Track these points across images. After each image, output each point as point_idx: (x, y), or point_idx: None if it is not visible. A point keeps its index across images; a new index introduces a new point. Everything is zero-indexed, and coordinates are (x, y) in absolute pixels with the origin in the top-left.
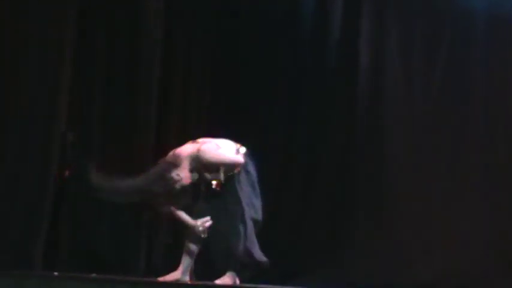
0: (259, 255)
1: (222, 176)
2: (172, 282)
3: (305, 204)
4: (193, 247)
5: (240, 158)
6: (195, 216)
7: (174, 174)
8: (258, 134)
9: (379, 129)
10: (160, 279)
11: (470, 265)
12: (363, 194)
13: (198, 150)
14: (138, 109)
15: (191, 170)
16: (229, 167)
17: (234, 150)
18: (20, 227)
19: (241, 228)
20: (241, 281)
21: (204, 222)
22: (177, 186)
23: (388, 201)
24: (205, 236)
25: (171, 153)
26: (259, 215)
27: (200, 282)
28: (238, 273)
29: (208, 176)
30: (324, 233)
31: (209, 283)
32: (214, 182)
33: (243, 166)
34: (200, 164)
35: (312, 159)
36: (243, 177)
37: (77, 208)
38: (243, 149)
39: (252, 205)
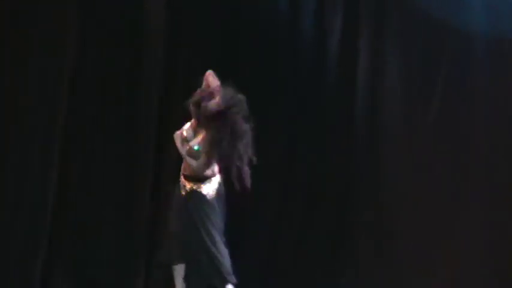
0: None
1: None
2: None
3: (305, 223)
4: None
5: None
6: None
7: None
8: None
9: (379, 147)
10: None
11: (473, 279)
12: (363, 212)
13: None
14: (139, 109)
15: None
16: None
17: None
18: (19, 248)
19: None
20: None
21: None
22: None
23: (389, 220)
24: None
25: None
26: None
27: None
28: None
29: None
30: (324, 251)
31: None
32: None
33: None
34: None
35: (312, 178)
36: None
37: (75, 230)
38: None
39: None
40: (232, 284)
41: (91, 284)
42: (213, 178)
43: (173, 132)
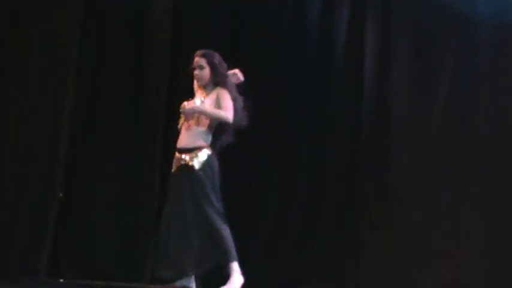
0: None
1: None
2: None
3: (309, 220)
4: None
5: None
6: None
7: None
8: (261, 147)
9: (386, 140)
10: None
11: (476, 277)
12: (368, 209)
13: None
14: (146, 109)
15: None
16: None
17: None
18: (26, 235)
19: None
20: None
21: None
22: None
23: (394, 217)
24: None
25: None
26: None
27: None
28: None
29: None
30: (327, 248)
31: None
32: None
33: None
34: None
35: (317, 176)
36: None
37: (81, 216)
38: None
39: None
40: (236, 260)
41: (98, 270)
42: (202, 150)
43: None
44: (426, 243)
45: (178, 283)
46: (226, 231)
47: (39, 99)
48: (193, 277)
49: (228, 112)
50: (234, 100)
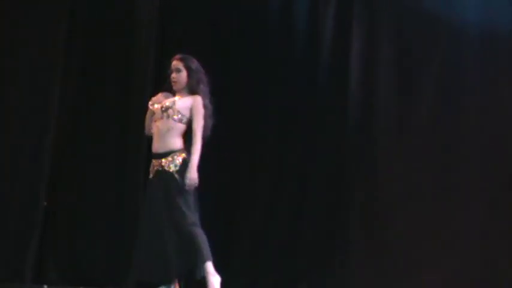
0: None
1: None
2: None
3: (297, 214)
4: None
5: None
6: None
7: None
8: (250, 149)
9: (371, 146)
10: None
11: (466, 281)
12: (357, 210)
13: None
14: (132, 102)
15: None
16: None
17: None
18: (11, 240)
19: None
20: None
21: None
22: None
23: (381, 220)
24: None
25: None
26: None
27: None
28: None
29: None
30: (318, 247)
31: None
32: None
33: None
34: None
35: (304, 175)
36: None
37: (67, 221)
38: None
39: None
40: (208, 261)
41: (84, 276)
42: (177, 154)
43: None
44: (413, 247)
45: None
46: (197, 233)
47: (26, 101)
48: (175, 282)
49: (198, 138)
50: (205, 108)
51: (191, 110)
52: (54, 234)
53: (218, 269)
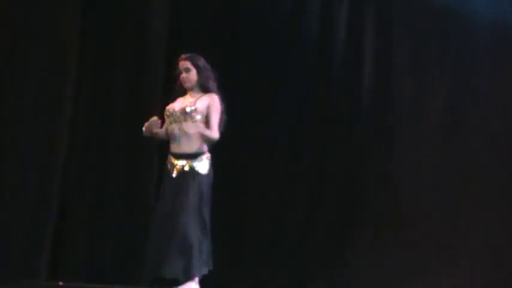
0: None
1: None
2: None
3: (310, 222)
4: None
5: None
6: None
7: None
8: (262, 148)
9: (387, 144)
10: None
11: (480, 283)
12: (370, 211)
13: None
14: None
15: None
16: None
17: None
18: (26, 237)
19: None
20: None
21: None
22: None
23: (396, 219)
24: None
25: None
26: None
27: None
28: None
29: None
30: (328, 251)
31: None
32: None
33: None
34: None
35: (318, 175)
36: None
37: (81, 218)
38: None
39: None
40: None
41: (98, 273)
42: (204, 156)
43: None
44: (427, 247)
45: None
46: (203, 245)
47: (38, 100)
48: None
49: (215, 130)
50: (221, 105)
51: (208, 108)
52: (69, 231)
53: (228, 268)
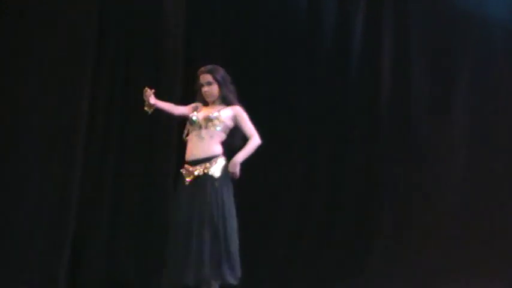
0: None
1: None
2: None
3: (328, 226)
4: None
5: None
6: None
7: None
8: (279, 152)
9: (409, 146)
10: None
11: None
12: (390, 215)
13: None
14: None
15: None
16: None
17: None
18: (45, 247)
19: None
20: None
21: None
22: None
23: (417, 222)
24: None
25: None
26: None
27: None
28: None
29: None
30: (346, 255)
31: None
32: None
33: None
34: None
35: (336, 179)
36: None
37: (99, 227)
38: None
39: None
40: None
41: (117, 284)
42: (218, 159)
43: None
44: (450, 248)
45: None
46: (235, 249)
47: (55, 104)
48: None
49: (256, 135)
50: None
51: (234, 120)
52: (88, 240)
53: (248, 275)
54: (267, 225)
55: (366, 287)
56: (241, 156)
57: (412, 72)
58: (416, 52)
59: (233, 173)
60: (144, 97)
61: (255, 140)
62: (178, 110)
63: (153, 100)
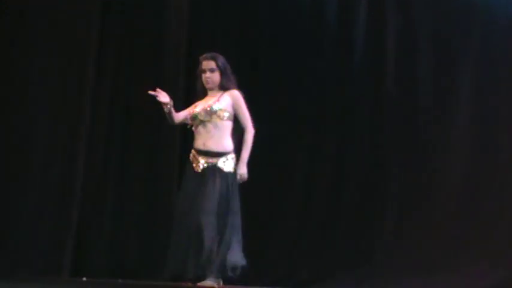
0: (236, 258)
1: None
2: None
3: (332, 217)
4: None
5: None
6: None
7: None
8: (283, 140)
9: (412, 138)
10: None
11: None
12: (393, 207)
13: None
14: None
15: None
16: None
17: None
18: (49, 234)
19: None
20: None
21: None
22: None
23: (420, 215)
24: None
25: None
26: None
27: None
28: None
29: None
30: (349, 246)
31: None
32: None
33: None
34: None
35: (339, 170)
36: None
37: (103, 215)
38: None
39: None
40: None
41: (121, 270)
42: (229, 155)
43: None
44: (452, 239)
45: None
46: (238, 241)
47: (57, 102)
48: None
49: (249, 126)
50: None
51: (233, 106)
52: (92, 227)
53: (253, 262)
54: (270, 217)
55: (370, 277)
56: (244, 164)
57: (416, 60)
58: (420, 44)
59: (242, 177)
60: (159, 100)
61: (250, 133)
62: (179, 116)
63: (163, 98)
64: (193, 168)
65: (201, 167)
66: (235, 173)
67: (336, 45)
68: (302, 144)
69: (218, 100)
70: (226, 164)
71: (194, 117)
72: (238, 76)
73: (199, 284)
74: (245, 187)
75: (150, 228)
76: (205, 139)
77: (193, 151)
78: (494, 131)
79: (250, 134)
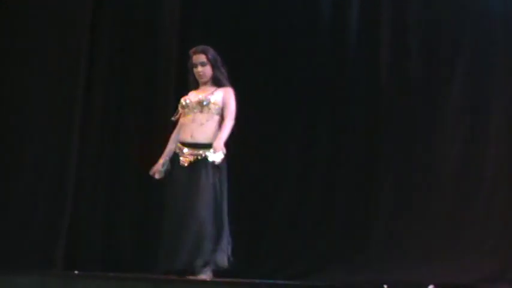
0: (221, 259)
1: None
2: (193, 280)
3: (326, 209)
4: None
5: None
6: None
7: None
8: (277, 137)
9: (407, 130)
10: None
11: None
12: (389, 198)
13: None
14: (156, 108)
15: None
16: None
17: None
18: (42, 227)
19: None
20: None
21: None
22: None
23: (409, 206)
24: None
25: None
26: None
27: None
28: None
29: None
30: (341, 233)
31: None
32: None
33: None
34: None
35: (333, 160)
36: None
37: (96, 208)
38: None
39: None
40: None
41: (114, 263)
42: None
43: None
44: (447, 228)
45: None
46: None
47: (51, 96)
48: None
49: (231, 121)
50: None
51: (223, 100)
52: (84, 221)
53: (247, 254)
54: (264, 207)
55: (366, 267)
56: (222, 140)
57: (410, 63)
58: (413, 41)
59: (216, 149)
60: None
61: (230, 121)
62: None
63: (159, 174)
64: (181, 161)
65: (189, 160)
66: (224, 165)
67: (329, 43)
68: (296, 136)
69: (212, 93)
70: (214, 155)
71: (185, 105)
72: (230, 72)
73: (191, 276)
74: (240, 178)
75: (143, 221)
76: (192, 130)
77: (178, 144)
78: (488, 127)
79: (230, 122)
